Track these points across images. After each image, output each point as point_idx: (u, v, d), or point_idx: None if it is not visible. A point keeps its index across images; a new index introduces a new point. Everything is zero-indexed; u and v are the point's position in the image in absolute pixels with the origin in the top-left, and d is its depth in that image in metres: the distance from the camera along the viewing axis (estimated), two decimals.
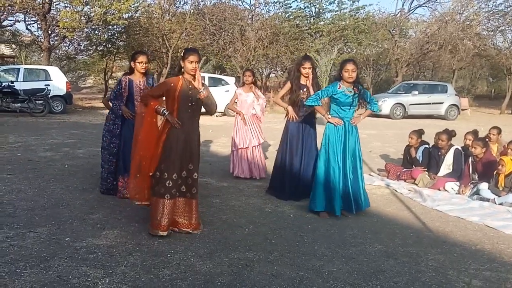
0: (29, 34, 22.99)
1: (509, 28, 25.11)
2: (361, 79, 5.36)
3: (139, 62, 5.31)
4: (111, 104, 5.59)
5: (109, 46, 23.72)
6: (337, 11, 28.07)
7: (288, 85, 5.83)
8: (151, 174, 4.18)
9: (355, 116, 5.17)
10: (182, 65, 4.22)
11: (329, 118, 5.12)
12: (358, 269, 3.62)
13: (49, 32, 20.00)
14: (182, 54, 4.25)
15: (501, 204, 5.70)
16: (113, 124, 5.47)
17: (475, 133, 7.09)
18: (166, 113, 4.17)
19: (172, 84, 4.20)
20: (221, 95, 17.83)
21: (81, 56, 27.50)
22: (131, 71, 5.42)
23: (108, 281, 3.22)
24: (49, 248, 3.79)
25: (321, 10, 28.53)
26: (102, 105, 21.01)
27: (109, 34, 23.12)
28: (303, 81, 5.70)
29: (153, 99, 4.24)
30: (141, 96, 4.54)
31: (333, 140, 5.04)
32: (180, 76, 4.24)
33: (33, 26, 22.24)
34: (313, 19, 28.20)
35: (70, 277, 3.27)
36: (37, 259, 3.54)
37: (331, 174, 5.00)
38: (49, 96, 15.49)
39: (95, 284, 3.17)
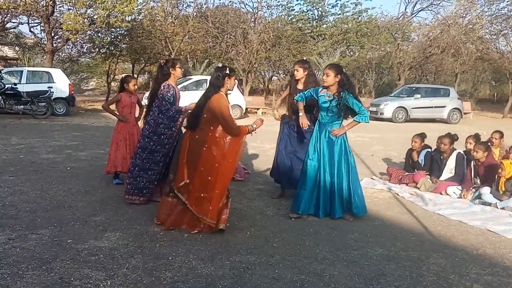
0: (33, 37, 23.10)
1: None
2: (348, 86, 4.90)
3: (179, 68, 5.28)
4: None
5: (112, 48, 23.80)
6: (339, 14, 28.17)
7: (287, 90, 5.95)
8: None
9: (341, 127, 5.03)
10: (227, 82, 4.39)
11: (300, 115, 5.13)
12: (360, 273, 3.62)
13: (52, 34, 20.07)
14: (226, 71, 4.39)
15: (503, 208, 5.68)
16: (166, 128, 5.10)
17: (476, 137, 7.07)
18: (255, 127, 4.44)
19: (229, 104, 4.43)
20: None
21: (84, 59, 27.63)
22: (166, 77, 5.18)
23: (110, 283, 3.23)
24: (51, 250, 3.80)
25: (323, 13, 28.60)
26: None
27: (112, 36, 23.21)
28: (300, 85, 5.72)
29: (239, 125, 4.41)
30: (234, 132, 4.32)
31: (311, 146, 5.06)
32: (222, 94, 4.39)
33: (36, 29, 22.49)
34: (316, 22, 28.26)
35: (72, 279, 3.28)
36: (39, 261, 3.55)
37: (306, 177, 5.01)
38: (52, 98, 15.53)
39: (97, 286, 3.18)
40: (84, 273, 3.38)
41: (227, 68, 4.44)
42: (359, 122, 4.97)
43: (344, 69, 5.06)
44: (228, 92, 4.54)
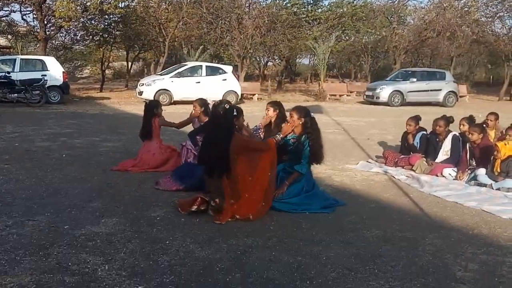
0: (25, 25, 22.84)
1: (508, 14, 25.12)
2: (311, 130, 4.90)
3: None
4: None
5: (106, 35, 23.61)
6: None
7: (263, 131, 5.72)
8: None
9: (282, 185, 4.80)
10: (236, 123, 4.67)
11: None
12: (356, 254, 3.64)
13: (45, 22, 19.87)
14: (234, 113, 4.60)
15: (498, 189, 5.71)
16: None
17: (470, 118, 7.05)
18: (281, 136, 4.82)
19: None
20: (219, 84, 17.86)
21: (77, 46, 27.40)
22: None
23: (107, 268, 3.24)
24: (48, 236, 3.80)
25: None
26: (99, 95, 21.05)
27: (106, 23, 23.00)
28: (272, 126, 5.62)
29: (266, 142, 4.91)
30: (266, 150, 4.70)
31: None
32: (236, 133, 4.61)
33: (28, 16, 22.29)
34: (311, 6, 28.05)
35: (70, 264, 3.29)
36: (36, 247, 3.55)
37: None
38: (46, 86, 15.43)
39: (95, 271, 3.19)
40: (82, 258, 3.39)
41: (234, 110, 4.64)
42: (298, 172, 4.84)
43: (311, 113, 4.96)
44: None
